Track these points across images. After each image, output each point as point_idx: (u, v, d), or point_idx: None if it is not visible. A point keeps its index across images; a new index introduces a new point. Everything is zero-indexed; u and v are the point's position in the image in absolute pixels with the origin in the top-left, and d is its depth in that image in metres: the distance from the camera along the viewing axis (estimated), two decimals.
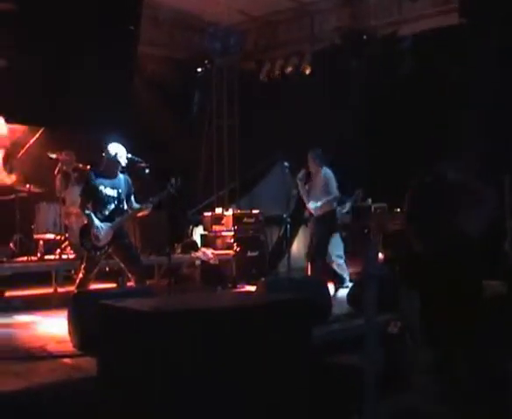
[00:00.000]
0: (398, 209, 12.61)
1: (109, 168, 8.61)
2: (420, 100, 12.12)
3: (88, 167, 10.54)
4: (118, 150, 8.59)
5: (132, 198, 8.74)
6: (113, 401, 4.91)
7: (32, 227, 11.25)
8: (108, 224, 8.47)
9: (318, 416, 4.99)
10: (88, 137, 10.19)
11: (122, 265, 8.87)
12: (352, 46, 13.25)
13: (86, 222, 8.54)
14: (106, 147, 8.63)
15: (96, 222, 8.39)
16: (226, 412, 4.56)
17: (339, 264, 11.41)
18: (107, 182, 8.51)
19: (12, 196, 11.12)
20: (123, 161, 8.61)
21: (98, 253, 8.47)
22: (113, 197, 8.51)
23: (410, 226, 4.42)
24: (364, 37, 13.00)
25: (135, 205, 8.77)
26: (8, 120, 7.74)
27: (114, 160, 8.57)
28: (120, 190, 8.55)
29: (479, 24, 11.22)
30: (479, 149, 10.44)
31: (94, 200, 8.49)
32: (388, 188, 12.16)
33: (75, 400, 5.30)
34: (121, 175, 8.65)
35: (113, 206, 8.52)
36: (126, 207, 8.65)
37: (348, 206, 11.75)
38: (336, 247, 11.50)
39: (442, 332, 3.86)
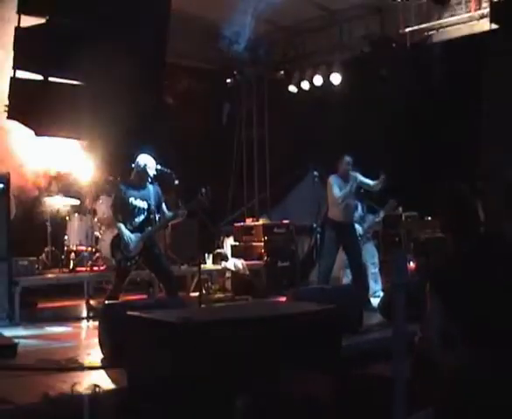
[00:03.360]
0: (429, 218, 12.52)
1: (138, 179, 8.69)
2: (452, 108, 12.03)
3: (119, 179, 10.58)
4: (147, 161, 8.67)
5: (163, 207, 8.80)
6: (143, 411, 4.91)
7: (64, 239, 11.31)
8: (138, 235, 8.52)
9: None
10: (120, 150, 10.24)
11: (153, 275, 8.94)
12: (381, 54, 13.17)
13: (116, 233, 8.60)
14: (135, 159, 8.71)
15: (126, 233, 8.45)
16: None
17: (372, 272, 11.31)
18: (136, 193, 8.58)
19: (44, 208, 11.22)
20: (152, 172, 8.68)
21: (128, 264, 8.53)
22: (143, 209, 8.59)
23: (447, 230, 4.36)
24: (394, 44, 12.92)
25: (168, 214, 8.85)
26: (37, 133, 7.80)
27: (143, 171, 8.64)
28: (149, 201, 8.62)
29: (510, 29, 11.10)
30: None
31: (124, 211, 8.56)
32: (419, 197, 12.07)
33: (106, 411, 5.30)
34: (150, 186, 8.71)
35: (142, 217, 8.59)
36: (157, 217, 8.70)
37: (381, 215, 11.61)
38: (371, 255, 11.41)
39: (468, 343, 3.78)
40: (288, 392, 4.66)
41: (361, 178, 10.48)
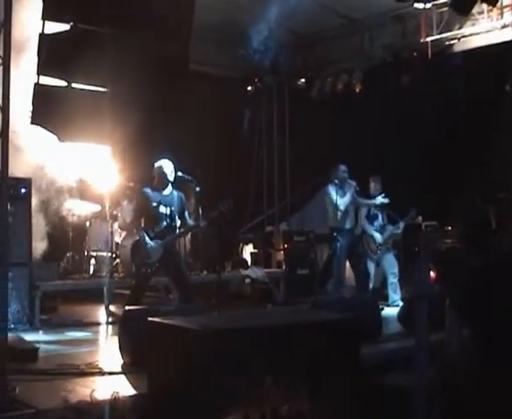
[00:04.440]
0: (449, 228, 12.47)
1: (159, 183, 8.72)
2: (473, 117, 11.98)
3: (140, 185, 10.63)
4: (165, 165, 8.70)
5: (186, 215, 8.81)
6: (163, 417, 4.92)
7: (84, 244, 11.37)
8: (159, 241, 8.54)
9: None
10: (141, 156, 10.31)
11: (171, 282, 8.95)
12: (403, 63, 13.17)
13: (137, 239, 8.63)
14: (154, 164, 8.75)
15: (147, 239, 8.47)
16: None
17: (392, 282, 11.31)
18: (160, 199, 8.60)
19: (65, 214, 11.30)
20: (171, 176, 8.70)
21: (148, 270, 8.54)
22: (165, 214, 8.60)
23: (465, 243, 4.34)
24: (415, 54, 12.91)
25: (189, 222, 8.85)
26: (60, 139, 7.86)
27: (162, 175, 8.67)
28: (172, 208, 8.63)
29: None
30: None
31: (146, 217, 8.60)
32: (439, 207, 12.03)
33: (126, 416, 5.32)
34: (174, 192, 8.74)
35: (164, 223, 8.61)
36: (178, 224, 8.72)
37: (402, 225, 11.60)
38: (391, 265, 11.40)
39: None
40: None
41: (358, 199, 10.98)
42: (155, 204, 8.56)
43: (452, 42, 12.66)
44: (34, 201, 9.96)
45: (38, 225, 10.52)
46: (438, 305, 4.03)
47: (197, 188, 8.97)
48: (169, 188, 8.73)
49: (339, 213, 10.67)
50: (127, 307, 8.24)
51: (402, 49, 13.26)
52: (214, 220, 8.95)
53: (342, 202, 10.63)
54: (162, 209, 8.59)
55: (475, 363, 3.69)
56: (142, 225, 8.59)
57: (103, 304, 10.51)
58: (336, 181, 10.78)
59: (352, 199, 10.80)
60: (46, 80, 7.69)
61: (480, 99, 11.92)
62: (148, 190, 8.73)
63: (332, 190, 10.75)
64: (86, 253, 11.37)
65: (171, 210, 8.63)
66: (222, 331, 4.82)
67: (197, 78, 13.52)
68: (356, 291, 10.87)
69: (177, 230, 8.75)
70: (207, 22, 12.05)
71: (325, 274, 13.12)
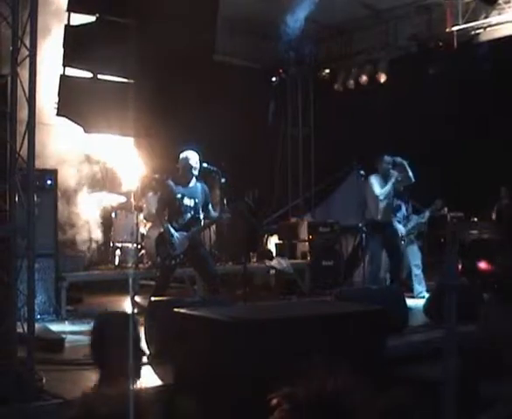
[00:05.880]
0: (475, 219, 12.38)
1: (184, 175, 8.68)
2: (499, 107, 11.89)
3: (165, 176, 10.65)
4: (191, 157, 8.66)
5: (209, 207, 8.80)
6: (188, 408, 4.93)
7: (110, 235, 11.41)
8: (184, 233, 8.54)
9: None
10: (166, 148, 10.33)
11: (197, 274, 8.94)
12: (428, 54, 13.09)
13: (161, 231, 8.64)
14: (180, 156, 8.73)
15: (172, 231, 8.47)
16: None
17: (416, 274, 11.24)
18: (184, 191, 8.58)
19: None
20: (197, 168, 8.66)
21: (173, 262, 8.55)
22: (189, 207, 8.58)
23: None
24: (440, 44, 12.82)
25: (213, 214, 8.83)
26: (86, 130, 7.86)
27: (187, 166, 8.63)
28: (197, 200, 8.61)
29: None
30: None
31: (171, 209, 8.59)
32: (465, 198, 11.96)
33: (151, 407, 5.33)
34: (198, 184, 8.71)
35: (189, 215, 8.59)
36: (202, 216, 8.70)
37: (427, 215, 11.54)
38: (414, 257, 11.34)
39: None
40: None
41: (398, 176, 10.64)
42: (179, 196, 8.54)
43: (478, 31, 12.56)
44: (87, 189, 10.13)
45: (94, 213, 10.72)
46: (465, 296, 4.00)
47: (223, 180, 8.95)
48: (194, 180, 8.71)
49: (380, 205, 10.50)
50: (152, 298, 8.28)
51: (427, 39, 13.18)
52: (238, 211, 8.95)
53: (381, 192, 10.42)
54: (187, 201, 8.57)
55: None
56: (166, 217, 8.59)
57: (128, 295, 10.56)
58: (380, 172, 10.60)
59: (391, 189, 10.52)
60: (72, 72, 7.70)
61: (506, 88, 11.82)
62: (171, 183, 8.71)
63: (375, 182, 10.54)
64: (111, 244, 11.41)
65: (195, 202, 8.61)
66: (251, 322, 4.82)
67: (222, 69, 13.54)
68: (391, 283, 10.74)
69: (202, 222, 8.74)
70: (232, 13, 12.05)
71: (350, 265, 13.10)
